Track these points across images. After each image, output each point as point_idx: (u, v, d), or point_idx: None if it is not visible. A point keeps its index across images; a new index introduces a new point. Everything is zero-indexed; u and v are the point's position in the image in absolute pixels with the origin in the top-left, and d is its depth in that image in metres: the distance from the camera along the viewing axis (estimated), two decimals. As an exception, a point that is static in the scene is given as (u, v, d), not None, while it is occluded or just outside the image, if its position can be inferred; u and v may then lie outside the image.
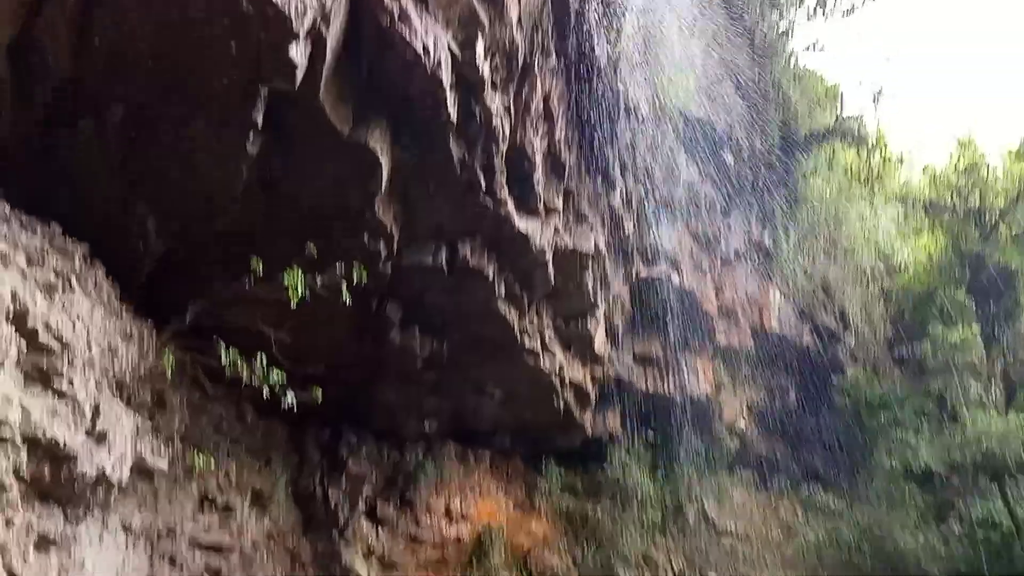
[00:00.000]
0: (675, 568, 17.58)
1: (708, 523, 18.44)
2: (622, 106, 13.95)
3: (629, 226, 15.53)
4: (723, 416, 19.36)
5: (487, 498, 16.44)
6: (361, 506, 14.40)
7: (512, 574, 15.85)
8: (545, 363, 14.42)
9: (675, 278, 17.73)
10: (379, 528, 14.49)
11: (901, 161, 24.34)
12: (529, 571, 16.19)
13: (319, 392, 9.96)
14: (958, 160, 23.27)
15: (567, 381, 15.46)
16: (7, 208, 7.46)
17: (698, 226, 18.87)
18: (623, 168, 14.80)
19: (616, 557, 17.00)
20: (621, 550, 17.08)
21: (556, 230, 12.78)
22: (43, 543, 7.88)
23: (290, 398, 9.40)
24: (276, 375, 9.25)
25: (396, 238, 10.68)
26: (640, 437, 18.14)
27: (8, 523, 7.12)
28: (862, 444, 20.04)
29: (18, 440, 7.04)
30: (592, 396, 16.67)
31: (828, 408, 20.65)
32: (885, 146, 23.28)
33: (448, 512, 15.61)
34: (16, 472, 7.14)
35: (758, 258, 20.34)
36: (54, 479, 7.60)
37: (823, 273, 21.74)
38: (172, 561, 10.71)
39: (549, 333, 14.52)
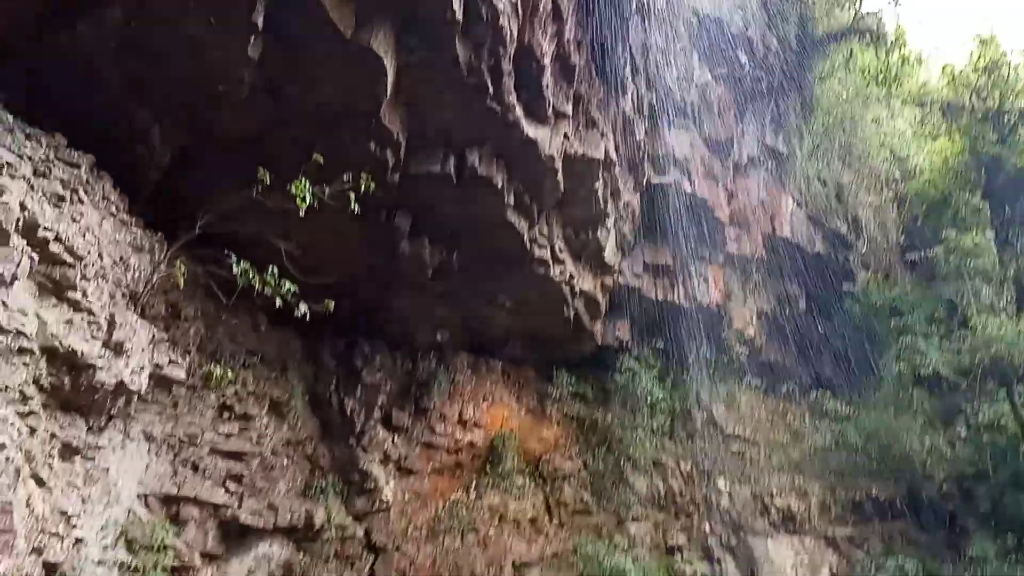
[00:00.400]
0: (683, 471, 17.96)
1: (716, 428, 18.74)
2: (633, 5, 13.48)
3: (640, 132, 15.23)
4: (732, 324, 19.42)
5: (499, 405, 16.71)
6: (377, 414, 14.65)
7: (525, 478, 16.24)
8: (555, 273, 14.39)
9: (686, 185, 17.52)
10: (395, 435, 14.77)
11: (919, 61, 23.61)
12: (541, 475, 16.59)
13: (331, 303, 10.00)
14: (978, 59, 22.55)
15: (577, 291, 15.46)
16: (10, 118, 7.35)
17: (711, 131, 18.53)
18: (634, 71, 14.41)
19: (626, 461, 17.36)
20: (631, 454, 17.43)
21: (566, 136, 12.53)
22: (67, 451, 8.09)
23: (303, 308, 9.46)
24: (288, 286, 9.28)
25: (403, 146, 10.51)
26: (650, 345, 18.25)
27: (32, 432, 7.29)
28: (871, 350, 20.13)
29: (36, 351, 7.13)
30: (602, 305, 16.71)
31: (838, 315, 20.67)
32: (903, 45, 22.54)
33: (462, 419, 15.89)
34: (36, 382, 7.27)
35: (771, 164, 20.03)
36: (74, 389, 7.74)
37: (837, 179, 21.40)
38: (195, 467, 11.00)
39: (559, 243, 14.44)
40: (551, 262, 14.16)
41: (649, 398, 17.89)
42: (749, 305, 19.90)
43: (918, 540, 18.25)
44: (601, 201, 14.12)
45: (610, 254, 15.73)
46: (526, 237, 13.21)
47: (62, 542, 7.63)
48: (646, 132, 15.71)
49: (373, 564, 13.60)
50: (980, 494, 17.74)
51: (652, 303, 17.91)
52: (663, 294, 18.06)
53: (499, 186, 11.92)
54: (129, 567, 9.49)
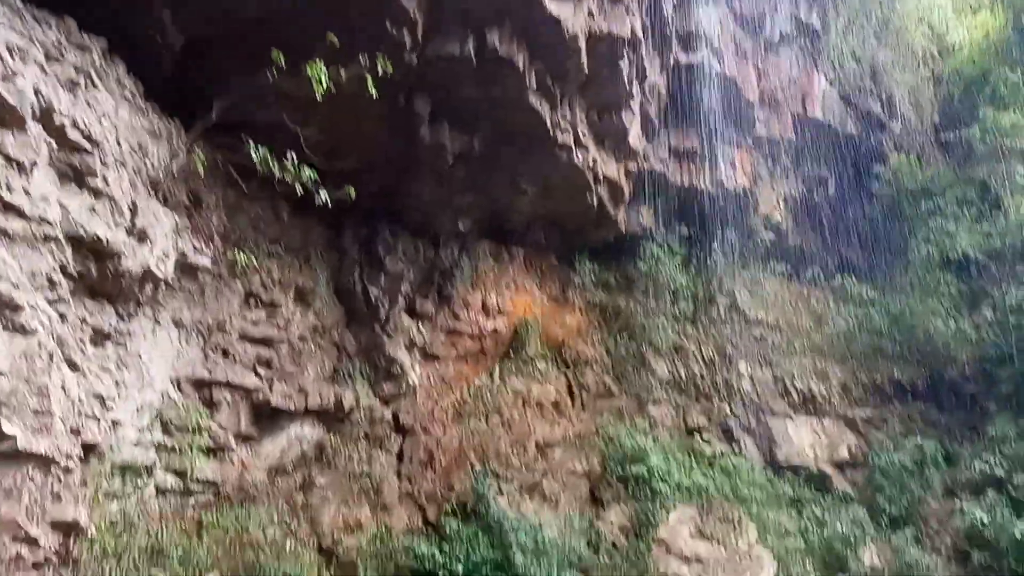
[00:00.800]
0: (705, 356, 18.12)
1: (739, 314, 18.75)
2: None
3: (668, 8, 14.59)
4: (759, 209, 19.12)
5: (522, 293, 16.80)
6: (400, 301, 14.81)
7: (547, 363, 16.50)
8: (578, 158, 14.14)
9: (715, 65, 16.89)
10: (419, 322, 14.96)
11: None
12: (564, 360, 16.83)
13: (352, 190, 9.94)
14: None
15: (601, 176, 15.22)
16: (18, 2, 7.14)
17: (742, 7, 17.70)
18: (662, -58, 13.69)
19: (647, 347, 17.53)
20: (652, 340, 17.57)
21: (590, 13, 12.03)
22: (98, 337, 8.27)
23: (323, 195, 9.43)
24: (308, 172, 9.21)
25: (420, 25, 10.18)
26: (674, 232, 18.10)
27: (62, 318, 7.42)
28: (899, 234, 19.85)
29: (61, 238, 7.18)
30: (626, 191, 16.47)
31: (867, 198, 20.28)
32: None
33: (485, 307, 16.01)
34: (63, 269, 7.34)
35: (804, 41, 19.19)
36: (101, 276, 7.83)
37: (871, 56, 20.51)
38: (225, 353, 11.26)
39: (582, 127, 14.12)
40: (574, 147, 13.89)
41: (672, 284, 17.89)
42: (776, 189, 19.53)
43: (938, 421, 18.46)
44: (626, 82, 13.69)
45: (635, 138, 15.37)
46: (548, 121, 12.93)
47: (99, 423, 7.88)
48: (674, 8, 15.07)
49: (402, 444, 14.07)
50: (1003, 376, 17.74)
51: (677, 188, 17.65)
52: (689, 179, 17.75)
53: (520, 67, 11.59)
54: (166, 447, 9.88)
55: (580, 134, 13.99)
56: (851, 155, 19.91)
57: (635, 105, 14.75)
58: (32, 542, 6.95)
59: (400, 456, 14.01)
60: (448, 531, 12.77)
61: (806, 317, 19.53)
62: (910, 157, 20.27)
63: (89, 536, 7.86)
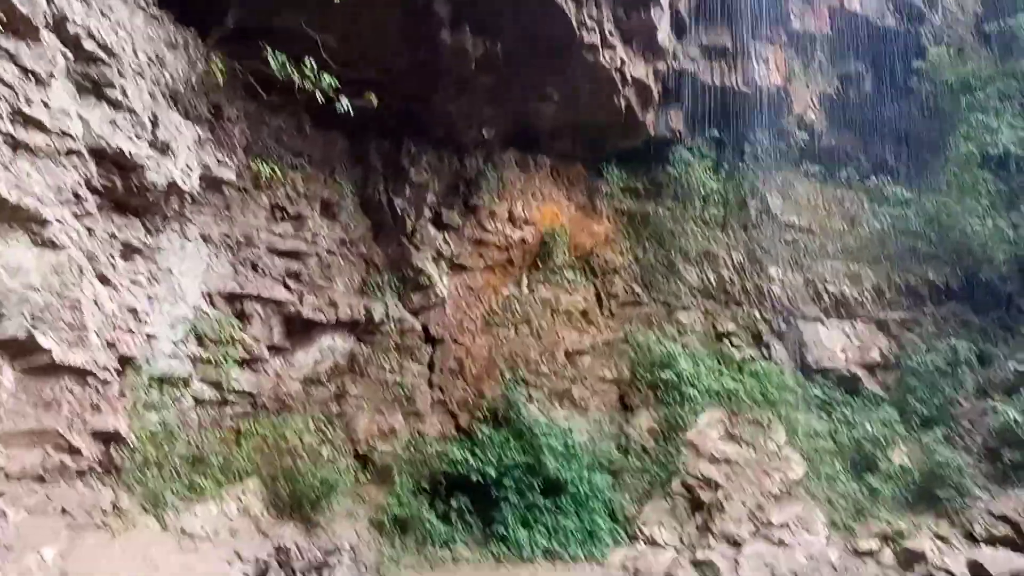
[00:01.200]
0: (735, 261, 17.88)
1: (771, 217, 18.37)
2: None
3: None
4: (793, 108, 18.46)
5: (549, 202, 16.57)
6: (427, 213, 14.73)
7: (575, 272, 16.42)
8: (605, 59, 13.70)
9: (747, -45, 16.11)
10: (446, 233, 14.89)
11: None
12: (592, 269, 16.73)
13: (373, 97, 9.75)
14: None
15: (628, 78, 14.76)
16: (18, -96, 6.87)
17: None
18: None
19: (677, 253, 17.32)
20: (682, 247, 17.35)
21: (616, -99, 11.45)
22: (128, 251, 8.30)
23: (344, 103, 9.25)
24: (328, 79, 9.01)
25: (438, -79, 9.74)
26: (704, 135, 17.59)
27: (90, 232, 7.43)
28: (938, 131, 19.12)
29: (84, 152, 7.12)
30: (655, 93, 16.00)
31: (905, 95, 19.51)
32: None
33: (511, 216, 15.84)
34: (88, 183, 7.32)
35: (842, -73, 18.17)
36: (126, 189, 7.81)
37: (913, -58, 19.42)
38: (254, 266, 11.32)
39: (609, 25, 13.61)
40: (600, 47, 13.44)
41: (702, 189, 17.50)
42: (811, 87, 18.79)
43: (972, 322, 18.21)
44: (654, -24, 13.14)
45: (664, 36, 14.83)
46: (573, 20, 12.50)
47: (134, 337, 8.00)
48: None
49: (432, 354, 14.22)
50: (1039, 275, 17.41)
51: (708, 89, 17.05)
52: (720, 78, 17.12)
53: (543, -38, 11.13)
54: (201, 359, 10.04)
55: (607, 33, 13.50)
56: (889, 49, 19.06)
57: (664, 0, 14.17)
58: (75, 451, 7.17)
59: (431, 366, 14.19)
60: (480, 437, 13.02)
61: (839, 219, 19.09)
62: (950, 50, 19.34)
63: (130, 445, 8.08)
